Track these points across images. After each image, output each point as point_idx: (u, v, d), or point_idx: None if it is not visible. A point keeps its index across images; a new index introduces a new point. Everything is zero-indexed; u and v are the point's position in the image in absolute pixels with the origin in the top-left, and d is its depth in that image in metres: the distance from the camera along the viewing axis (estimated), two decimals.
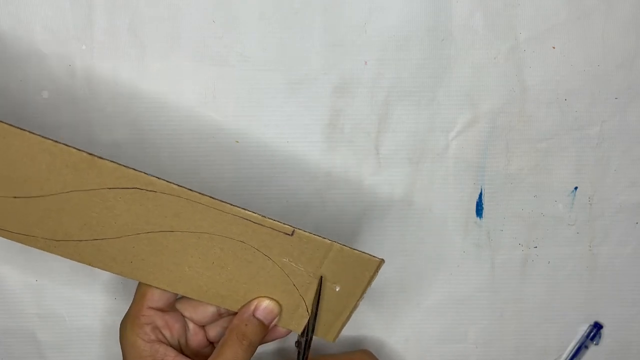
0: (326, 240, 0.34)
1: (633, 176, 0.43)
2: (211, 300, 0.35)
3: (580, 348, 0.45)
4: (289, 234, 0.34)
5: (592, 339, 0.45)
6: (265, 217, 0.33)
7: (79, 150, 0.30)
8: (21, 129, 0.29)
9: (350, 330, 0.45)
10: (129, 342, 0.34)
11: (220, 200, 0.32)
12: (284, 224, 0.34)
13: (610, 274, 0.45)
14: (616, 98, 0.42)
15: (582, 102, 0.42)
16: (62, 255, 0.32)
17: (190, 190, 0.32)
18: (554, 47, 0.42)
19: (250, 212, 0.33)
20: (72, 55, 0.40)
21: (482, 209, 0.44)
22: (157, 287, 0.34)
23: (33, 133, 0.29)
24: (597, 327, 0.45)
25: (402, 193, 0.43)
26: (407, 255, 0.44)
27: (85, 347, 0.44)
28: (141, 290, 0.35)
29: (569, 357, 0.45)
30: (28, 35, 0.40)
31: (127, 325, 0.34)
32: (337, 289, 0.35)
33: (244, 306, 0.35)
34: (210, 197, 0.32)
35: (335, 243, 0.34)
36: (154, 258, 0.33)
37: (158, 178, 0.31)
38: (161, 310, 0.35)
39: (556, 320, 0.45)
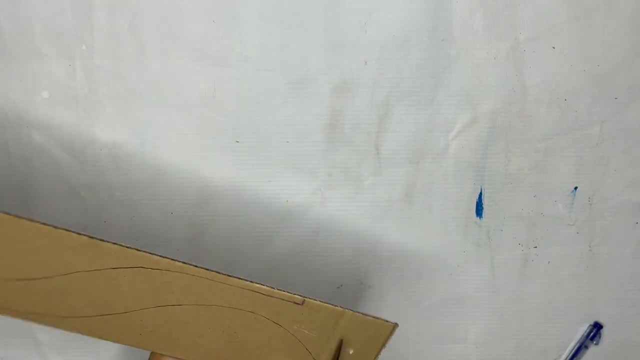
0: (337, 308, 0.34)
1: (633, 176, 0.43)
2: None
3: (580, 348, 0.45)
4: (299, 304, 0.34)
5: (592, 339, 0.45)
6: (274, 288, 0.34)
7: (79, 234, 0.30)
8: (19, 216, 0.30)
9: None
10: None
11: (227, 275, 0.33)
12: (293, 294, 0.34)
13: (610, 274, 0.45)
14: (616, 98, 0.42)
15: (582, 102, 0.42)
16: (70, 330, 0.32)
17: (195, 266, 0.32)
18: (554, 47, 0.42)
19: (258, 285, 0.33)
20: (72, 55, 0.40)
21: (482, 209, 0.44)
22: (167, 356, 0.34)
23: (32, 220, 0.30)
24: (597, 327, 0.45)
25: (402, 193, 0.43)
26: (407, 255, 0.44)
27: (85, 347, 0.44)
28: (154, 357, 0.35)
29: (569, 357, 0.45)
30: (28, 35, 0.40)
31: None
32: (350, 352, 0.36)
33: None
34: (217, 272, 0.33)
35: (347, 310, 0.34)
36: (162, 329, 0.33)
37: (162, 257, 0.32)
38: None
39: (556, 320, 0.45)
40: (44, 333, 0.43)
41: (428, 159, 0.43)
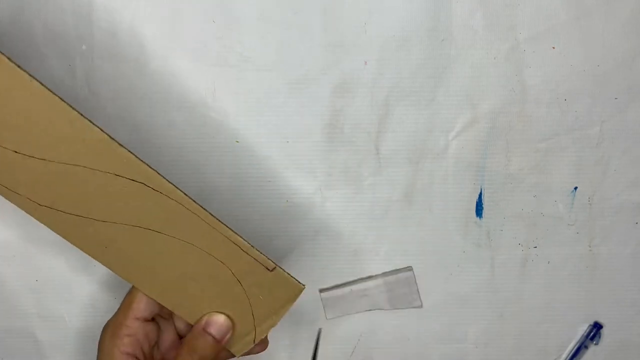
0: (301, 285, 0.35)
1: (633, 176, 0.43)
2: (170, 306, 0.35)
3: (580, 348, 0.45)
4: (269, 269, 0.34)
5: (592, 339, 0.45)
6: (253, 247, 0.34)
7: (102, 130, 0.30)
8: (53, 92, 0.29)
9: (350, 330, 0.45)
10: (106, 350, 0.34)
11: (218, 219, 0.33)
12: (268, 258, 0.34)
13: (610, 274, 0.45)
14: (616, 98, 0.42)
15: (582, 102, 0.42)
16: (38, 220, 0.32)
17: (193, 201, 0.32)
18: (554, 47, 0.42)
19: (240, 238, 0.34)
20: (72, 55, 0.40)
21: (482, 209, 0.44)
22: (117, 274, 0.34)
23: (63, 100, 0.29)
24: (597, 327, 0.45)
25: (402, 193, 0.43)
26: (407, 255, 0.44)
27: (85, 347, 0.44)
28: (128, 299, 0.35)
29: (569, 357, 0.45)
30: (28, 35, 0.40)
31: (108, 332, 0.35)
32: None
33: (197, 321, 0.35)
34: (210, 213, 0.33)
35: (304, 287, 0.35)
36: (130, 250, 0.33)
37: (168, 181, 0.32)
38: (145, 319, 0.35)
39: (556, 320, 0.45)
40: (44, 333, 0.43)
41: (428, 159, 0.43)
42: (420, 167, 0.43)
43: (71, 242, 0.32)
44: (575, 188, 0.44)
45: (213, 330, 0.35)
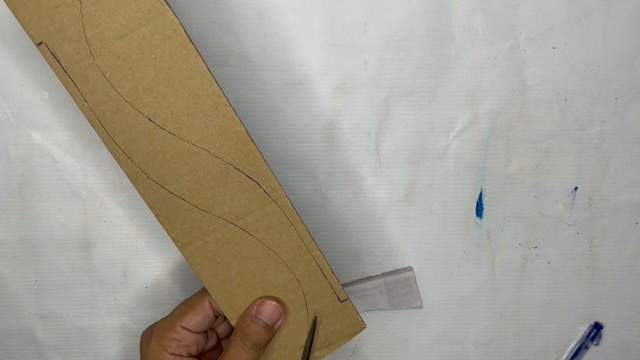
0: (363, 323, 0.36)
1: (633, 176, 0.43)
2: (228, 313, 0.35)
3: (581, 348, 0.45)
4: (340, 299, 0.35)
5: (592, 339, 0.45)
6: (333, 274, 0.34)
7: (241, 122, 0.31)
8: (211, 73, 0.30)
9: None
10: (154, 352, 0.35)
11: (312, 237, 0.34)
12: (343, 288, 0.35)
13: (610, 274, 0.45)
14: (616, 98, 0.42)
15: (582, 102, 0.42)
16: (140, 192, 0.32)
17: (297, 213, 0.33)
18: (554, 47, 0.42)
19: (325, 262, 0.34)
20: None
21: (482, 209, 0.43)
22: (192, 268, 0.34)
23: (217, 83, 0.30)
24: (597, 327, 0.45)
25: (402, 193, 0.43)
26: (407, 255, 0.44)
27: (85, 347, 0.44)
28: (182, 309, 0.35)
29: (569, 358, 0.45)
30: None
31: (155, 335, 0.35)
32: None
33: (247, 307, 0.35)
34: (307, 229, 0.33)
35: (364, 325, 0.36)
36: (215, 247, 0.33)
37: (281, 188, 0.32)
38: (194, 332, 0.36)
39: (556, 320, 0.45)
40: (44, 333, 0.43)
41: (428, 159, 0.43)
42: (420, 167, 0.43)
43: (163, 224, 0.32)
44: (576, 188, 0.44)
45: (264, 316, 0.34)
